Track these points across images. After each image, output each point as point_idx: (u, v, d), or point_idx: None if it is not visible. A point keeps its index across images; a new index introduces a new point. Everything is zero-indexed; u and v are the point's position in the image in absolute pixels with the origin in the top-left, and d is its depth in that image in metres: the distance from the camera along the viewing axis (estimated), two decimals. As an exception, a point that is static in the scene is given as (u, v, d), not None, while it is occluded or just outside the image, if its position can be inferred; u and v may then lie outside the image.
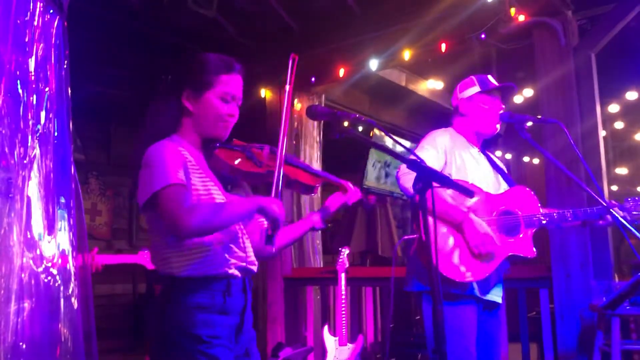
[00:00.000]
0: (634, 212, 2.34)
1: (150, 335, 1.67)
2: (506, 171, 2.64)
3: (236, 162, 1.81)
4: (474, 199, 2.35)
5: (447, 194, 2.33)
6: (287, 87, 1.84)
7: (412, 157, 1.79)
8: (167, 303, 1.65)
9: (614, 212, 2.26)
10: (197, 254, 1.67)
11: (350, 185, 2.07)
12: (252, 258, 1.81)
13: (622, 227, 2.20)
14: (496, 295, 2.43)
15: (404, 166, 2.35)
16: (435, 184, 1.57)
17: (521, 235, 2.35)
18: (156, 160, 1.63)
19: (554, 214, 2.37)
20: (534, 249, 2.35)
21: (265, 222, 1.78)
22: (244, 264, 1.75)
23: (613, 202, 2.38)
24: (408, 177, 2.30)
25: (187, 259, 1.66)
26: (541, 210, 2.39)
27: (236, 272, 1.72)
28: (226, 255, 1.71)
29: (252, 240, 1.85)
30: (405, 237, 2.44)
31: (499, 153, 7.34)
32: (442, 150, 2.42)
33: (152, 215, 1.67)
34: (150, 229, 1.74)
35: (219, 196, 1.73)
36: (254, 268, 1.80)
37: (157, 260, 1.71)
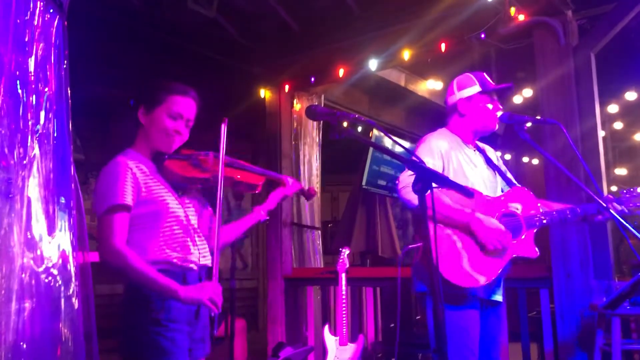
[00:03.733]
0: (631, 205, 2.34)
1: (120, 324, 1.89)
2: (503, 168, 2.63)
3: (184, 170, 2.00)
4: (474, 202, 2.35)
5: (449, 199, 2.32)
6: (221, 156, 1.95)
7: (413, 157, 1.79)
8: (130, 290, 1.90)
9: (612, 212, 2.26)
10: (164, 242, 1.92)
11: (289, 179, 2.31)
12: (206, 253, 2.05)
13: (621, 227, 2.20)
14: (498, 295, 2.44)
15: (403, 177, 2.33)
16: (434, 185, 1.57)
17: (523, 237, 2.35)
18: (106, 178, 1.89)
19: (554, 213, 2.37)
20: (537, 249, 2.35)
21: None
22: (198, 260, 2.00)
23: (610, 196, 2.38)
24: (408, 190, 2.29)
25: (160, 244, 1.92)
26: (541, 210, 2.39)
27: (193, 266, 1.97)
28: (182, 252, 1.95)
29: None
30: (410, 246, 2.44)
31: (498, 153, 7.29)
32: (439, 156, 2.41)
33: None
34: None
35: (172, 201, 1.97)
36: (209, 262, 2.05)
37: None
